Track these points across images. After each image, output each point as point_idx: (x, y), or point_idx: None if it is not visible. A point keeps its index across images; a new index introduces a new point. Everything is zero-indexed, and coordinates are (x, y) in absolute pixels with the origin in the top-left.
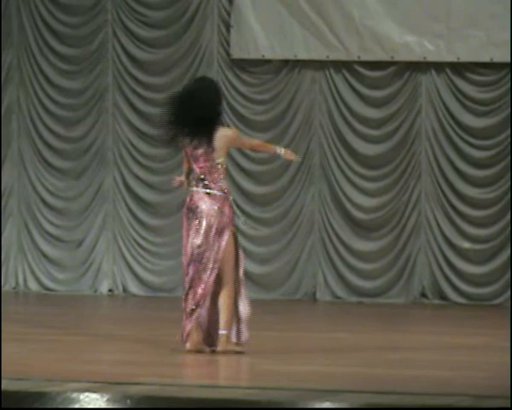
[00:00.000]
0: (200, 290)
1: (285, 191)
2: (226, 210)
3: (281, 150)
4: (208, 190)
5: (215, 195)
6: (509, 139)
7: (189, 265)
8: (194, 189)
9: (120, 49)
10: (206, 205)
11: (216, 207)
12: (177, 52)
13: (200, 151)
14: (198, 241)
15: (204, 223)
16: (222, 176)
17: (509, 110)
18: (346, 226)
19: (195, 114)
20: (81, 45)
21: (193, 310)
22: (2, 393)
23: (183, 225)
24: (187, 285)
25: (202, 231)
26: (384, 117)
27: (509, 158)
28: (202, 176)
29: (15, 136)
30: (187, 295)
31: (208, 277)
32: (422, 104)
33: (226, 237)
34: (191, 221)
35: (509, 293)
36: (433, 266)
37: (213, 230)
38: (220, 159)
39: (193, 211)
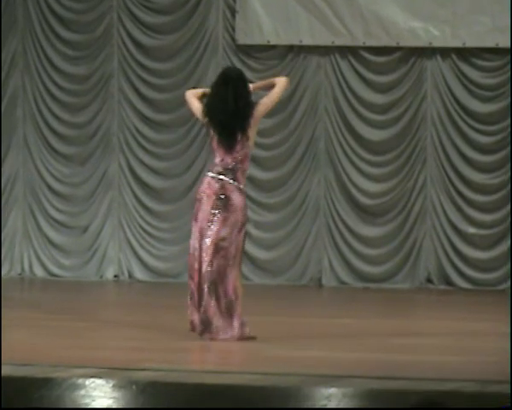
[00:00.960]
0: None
1: (290, 177)
2: (245, 208)
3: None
4: (239, 185)
5: (242, 190)
6: (510, 128)
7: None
8: (225, 178)
9: (125, 35)
10: (238, 200)
11: (243, 204)
12: (182, 38)
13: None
14: (223, 233)
15: (232, 218)
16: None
17: (510, 99)
18: (351, 212)
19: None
20: (86, 31)
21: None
22: (7, 379)
23: (200, 207)
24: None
25: (229, 225)
26: (389, 102)
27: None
28: (233, 165)
29: (21, 122)
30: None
31: (231, 272)
32: (428, 90)
33: (242, 234)
34: (217, 210)
35: None
36: (438, 251)
37: (238, 226)
38: (252, 145)
39: (222, 201)
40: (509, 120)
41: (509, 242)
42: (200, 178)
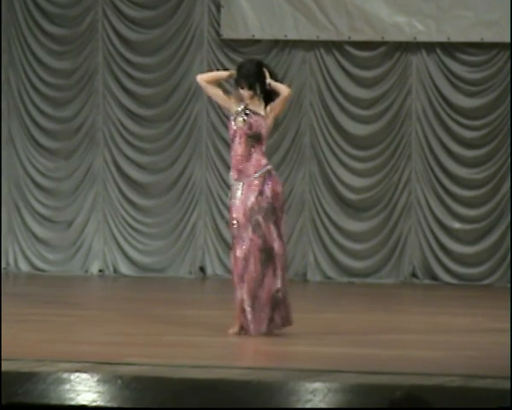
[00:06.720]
0: None
1: (275, 171)
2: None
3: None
4: None
5: None
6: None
7: None
8: None
9: (110, 30)
10: None
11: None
12: (167, 32)
13: None
14: None
15: None
16: None
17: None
18: (336, 207)
19: None
20: (71, 25)
21: None
22: None
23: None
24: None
25: None
26: (374, 97)
27: (498, 139)
28: None
29: (5, 116)
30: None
31: None
32: (413, 84)
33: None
34: None
35: (498, 273)
36: (423, 246)
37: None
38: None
39: None
40: (494, 115)
41: (496, 234)
42: (186, 172)
